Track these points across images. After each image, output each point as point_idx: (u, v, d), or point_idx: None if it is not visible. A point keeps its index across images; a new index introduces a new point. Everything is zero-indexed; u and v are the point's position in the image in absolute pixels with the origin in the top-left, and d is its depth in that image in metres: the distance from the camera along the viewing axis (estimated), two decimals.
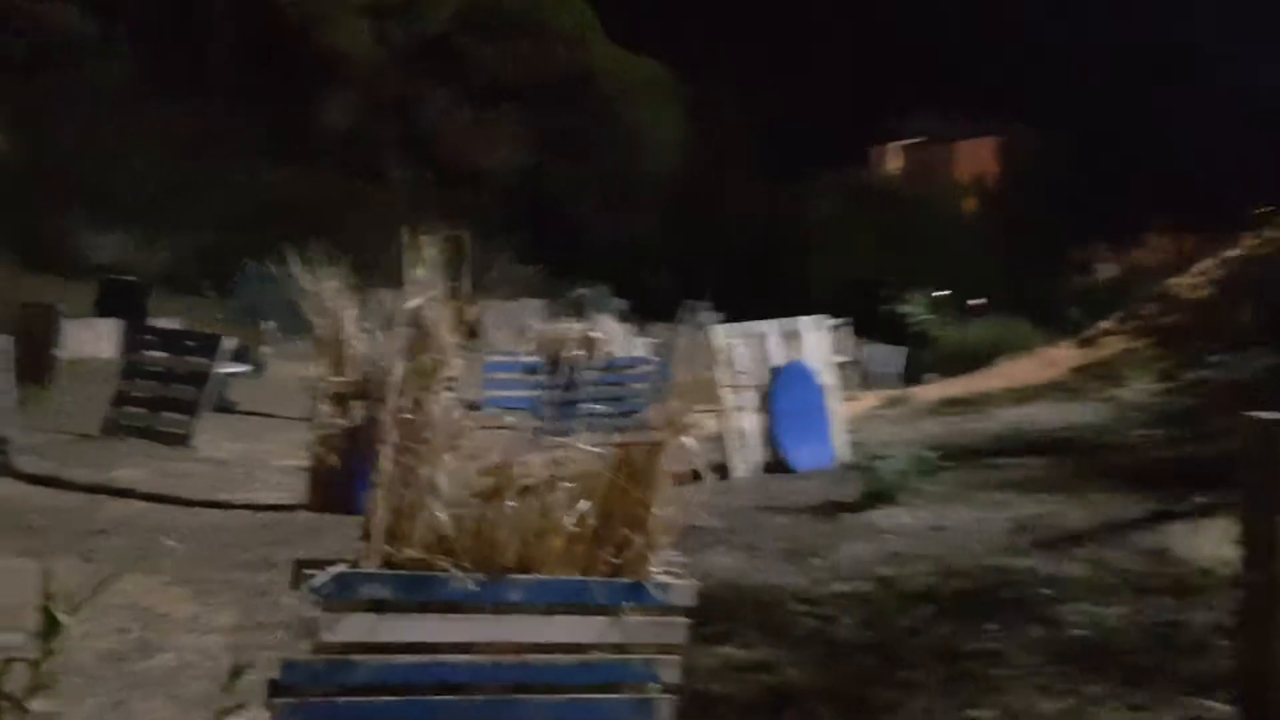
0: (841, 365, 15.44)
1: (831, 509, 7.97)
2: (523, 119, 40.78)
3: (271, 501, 8.95)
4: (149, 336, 12.69)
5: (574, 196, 40.93)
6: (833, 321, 16.07)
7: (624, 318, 35.38)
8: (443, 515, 3.22)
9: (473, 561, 3.27)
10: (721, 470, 9.12)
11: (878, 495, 7.92)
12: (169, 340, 12.77)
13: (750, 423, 9.23)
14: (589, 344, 10.87)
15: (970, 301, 35.81)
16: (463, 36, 40.66)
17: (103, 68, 30.02)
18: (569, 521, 3.39)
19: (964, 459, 9.49)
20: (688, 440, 3.69)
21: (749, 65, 45.83)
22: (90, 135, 28.81)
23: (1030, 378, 14.99)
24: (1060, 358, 15.75)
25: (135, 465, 10.70)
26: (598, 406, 10.76)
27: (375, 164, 37.82)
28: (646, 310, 36.48)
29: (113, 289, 21.63)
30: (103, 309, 21.34)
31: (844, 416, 9.50)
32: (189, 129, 31.22)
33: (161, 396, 12.41)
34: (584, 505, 3.44)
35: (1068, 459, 9.77)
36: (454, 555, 3.24)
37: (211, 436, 11.84)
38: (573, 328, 11.02)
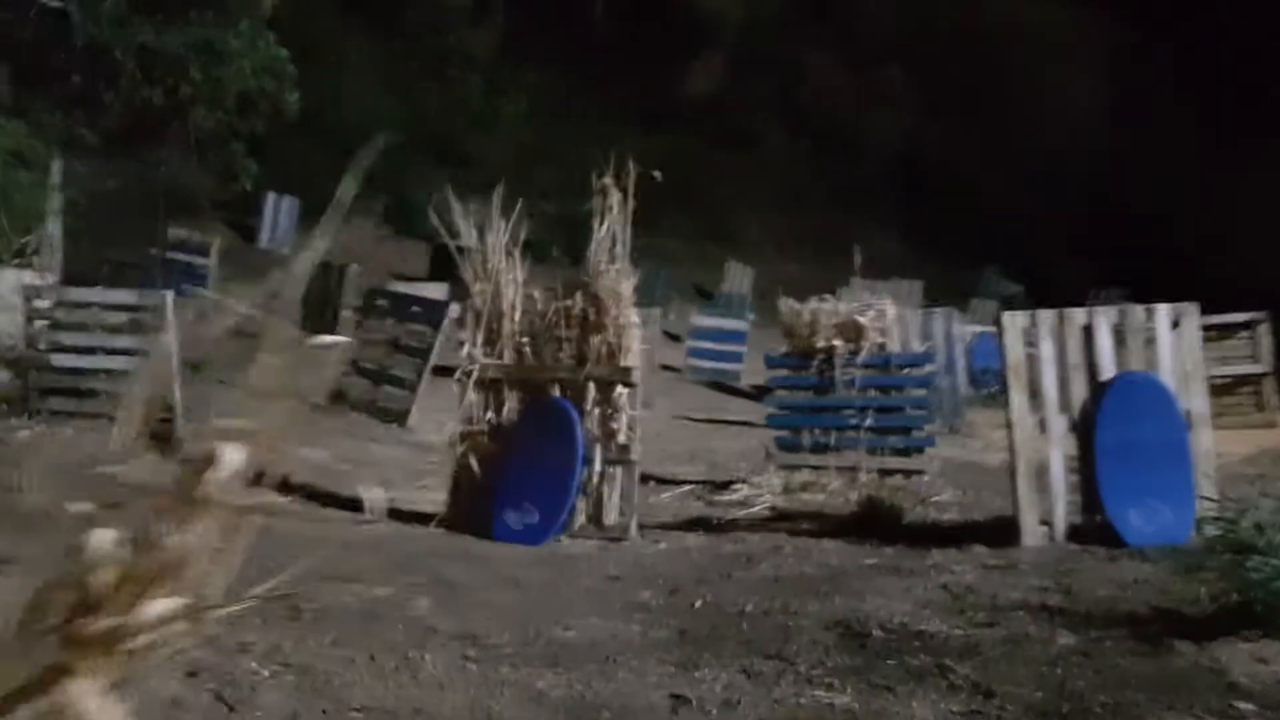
0: (1240, 380, 11.37)
1: (1179, 630, 4.73)
2: (908, 81, 37.31)
3: (420, 508, 7.08)
4: (381, 301, 11.48)
5: (965, 167, 36.84)
6: (1247, 317, 11.96)
7: (1010, 304, 31.34)
8: None
9: None
10: (1005, 529, 6.08)
11: (1266, 612, 4.56)
12: (397, 305, 11.49)
13: (1058, 460, 6.09)
14: (854, 331, 8.06)
15: None
16: None
17: (475, 34, 30.34)
18: None
19: None
20: None
21: (1187, 15, 38.99)
22: (459, 101, 29.19)
23: None
24: None
25: (325, 445, 9.30)
26: (856, 418, 7.96)
27: (745, 131, 35.98)
28: (1046, 296, 32.15)
29: (442, 253, 21.23)
30: (434, 273, 21.03)
31: (1214, 463, 6.08)
32: (554, 95, 30.97)
33: (385, 368, 11.09)
34: None
35: None
36: None
37: (442, 416, 10.23)
38: (834, 308, 8.22)
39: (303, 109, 15.44)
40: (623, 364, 6.69)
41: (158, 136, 14.58)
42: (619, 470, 6.62)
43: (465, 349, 7.01)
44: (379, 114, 28.58)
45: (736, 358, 16.62)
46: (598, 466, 6.57)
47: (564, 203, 31.84)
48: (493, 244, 7.13)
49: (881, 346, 8.06)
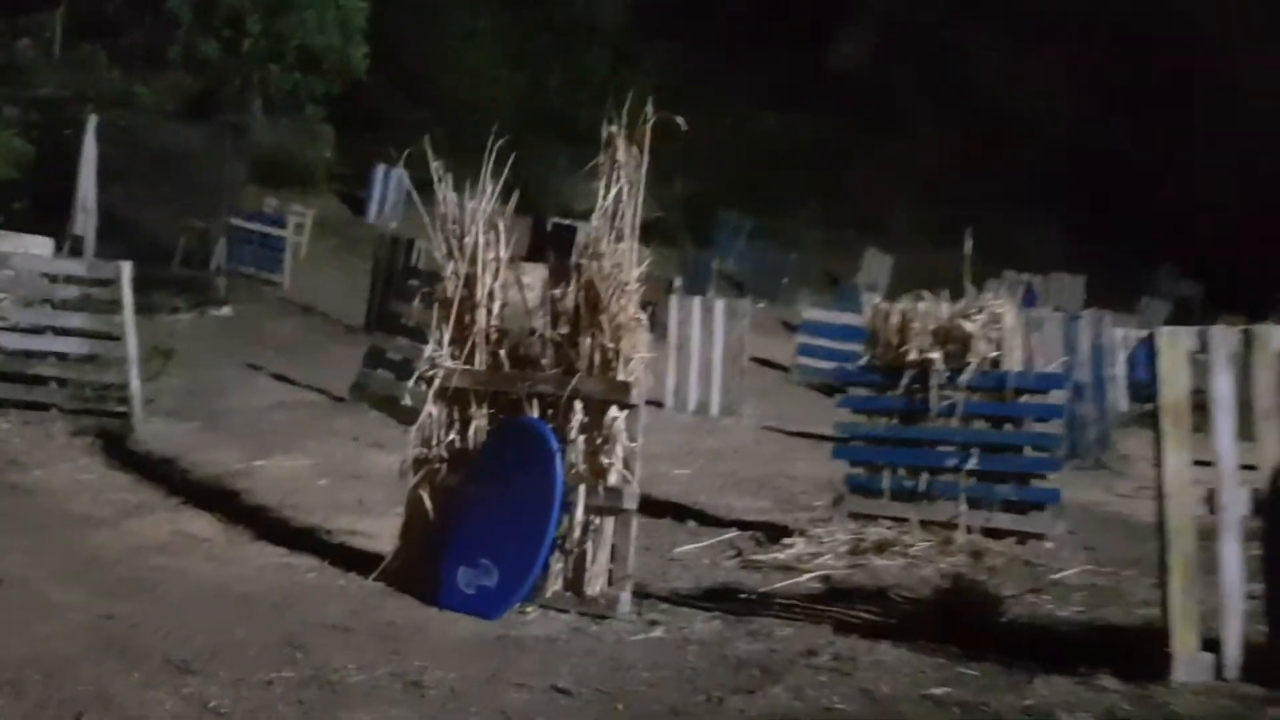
0: None
1: None
2: (1076, 62, 34.10)
3: (380, 546, 5.53)
4: (412, 281, 9.97)
5: (1139, 155, 33.48)
6: None
7: (1186, 306, 28.12)
8: None
9: None
10: (1152, 643, 4.11)
11: None
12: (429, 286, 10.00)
13: (1233, 555, 4.09)
14: (958, 340, 6.09)
15: None
16: None
17: (602, 4, 28.81)
18: None
19: None
20: None
21: None
22: (583, 75, 27.72)
23: None
24: None
25: (315, 450, 7.88)
26: (955, 457, 6.01)
27: (893, 113, 33.50)
28: (1229, 300, 28.88)
29: (543, 231, 19.84)
30: (533, 253, 19.63)
31: None
32: (685, 70, 29.18)
33: (408, 360, 9.58)
34: None
35: None
36: None
37: None
38: (932, 310, 6.24)
39: (422, 79, 14.29)
40: (620, 377, 4.95)
41: (230, 96, 13.46)
42: (609, 522, 4.88)
43: (428, 348, 5.38)
44: (499, 86, 27.32)
45: (852, 357, 14.55)
46: (580, 515, 4.86)
47: (692, 183, 30.22)
48: (473, 212, 5.45)
49: (995, 362, 6.07)
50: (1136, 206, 31.76)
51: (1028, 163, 33.96)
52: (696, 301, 11.48)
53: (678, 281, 16.78)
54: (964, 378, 6.01)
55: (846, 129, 32.67)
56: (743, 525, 6.63)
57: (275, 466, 7.11)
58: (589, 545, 4.85)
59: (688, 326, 11.36)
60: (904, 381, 6.16)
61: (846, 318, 14.99)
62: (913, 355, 6.16)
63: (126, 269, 7.20)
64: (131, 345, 7.25)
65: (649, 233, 26.75)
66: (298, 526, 5.94)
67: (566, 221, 20.08)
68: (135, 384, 7.18)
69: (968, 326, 6.05)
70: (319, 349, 12.15)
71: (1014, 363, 6.13)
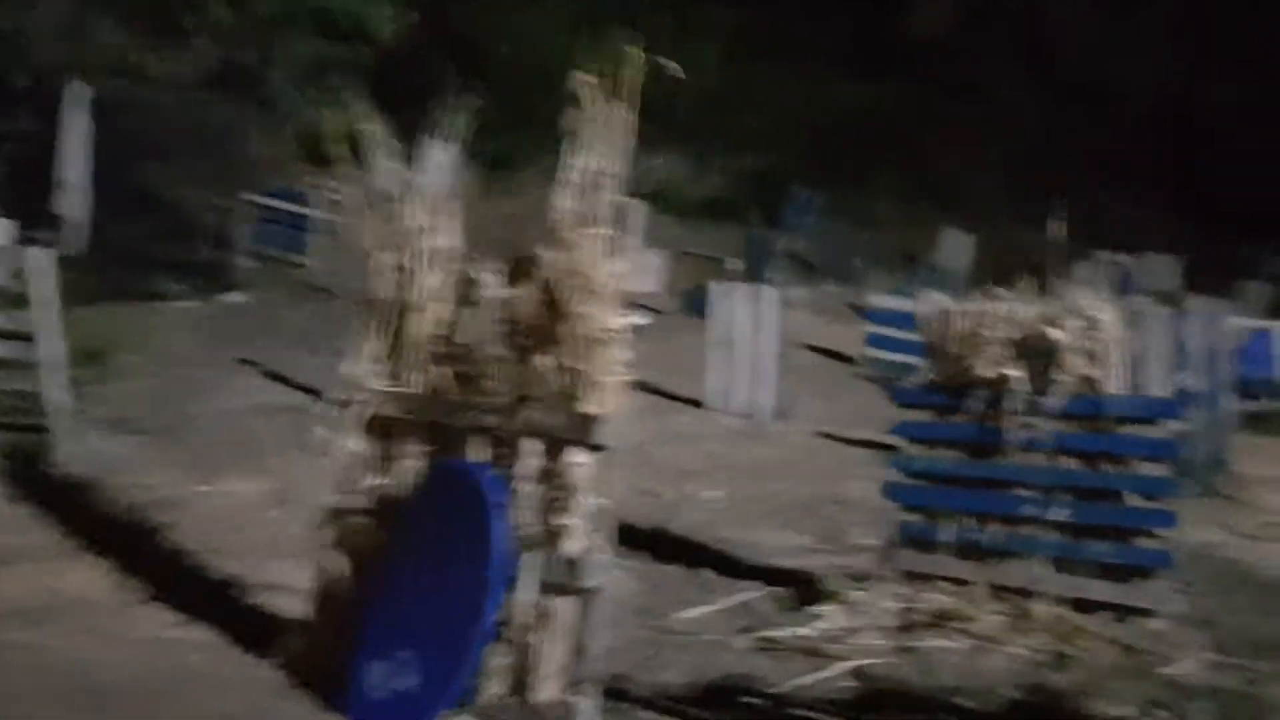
0: None
1: None
2: (1174, 27, 31.82)
3: (281, 609, 4.45)
4: None
5: (1244, 125, 31.13)
6: None
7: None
8: None
9: None
10: None
11: None
12: None
13: None
14: (1042, 352, 4.74)
15: None
16: None
17: None
18: None
19: None
20: None
21: None
22: (647, 43, 26.32)
23: None
24: None
25: (278, 468, 6.79)
26: (1037, 504, 4.68)
27: (976, 79, 31.51)
28: None
29: None
30: None
31: None
32: (753, 36, 27.62)
33: None
34: None
35: None
36: None
37: None
38: (1009, 312, 4.87)
39: (476, 47, 13.16)
40: (585, 409, 3.74)
41: (251, 66, 12.46)
42: (567, 603, 3.67)
43: (346, 365, 4.22)
44: (560, 57, 26.04)
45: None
46: (528, 594, 3.66)
47: (762, 157, 28.72)
48: (408, 187, 4.27)
49: (1091, 381, 4.70)
50: (1236, 181, 29.51)
51: (1121, 134, 31.82)
52: (740, 288, 10.18)
53: (733, 265, 15.41)
54: (1049, 401, 4.67)
55: (927, 98, 30.81)
56: (771, 576, 5.38)
57: (220, 493, 6.04)
58: (539, 634, 3.65)
59: (731, 316, 10.08)
60: (972, 405, 4.83)
61: (920, 305, 13.50)
62: (983, 372, 4.82)
63: (38, 256, 6.15)
64: (50, 347, 6.20)
65: (713, 210, 25.54)
66: (212, 580, 4.85)
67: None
68: (56, 393, 6.14)
69: (1055, 335, 4.69)
70: (333, 339, 11.10)
71: (1115, 381, 4.76)
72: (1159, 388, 7.41)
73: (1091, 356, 4.73)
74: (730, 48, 28.31)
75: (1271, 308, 24.20)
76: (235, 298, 12.12)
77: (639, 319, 11.72)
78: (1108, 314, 4.78)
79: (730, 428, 9.64)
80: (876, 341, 13.53)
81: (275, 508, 6.00)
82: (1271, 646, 4.41)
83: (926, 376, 5.07)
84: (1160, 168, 30.93)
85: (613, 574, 4.27)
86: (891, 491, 5.05)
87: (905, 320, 13.18)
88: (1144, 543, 4.49)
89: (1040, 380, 4.76)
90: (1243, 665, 4.24)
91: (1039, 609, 4.49)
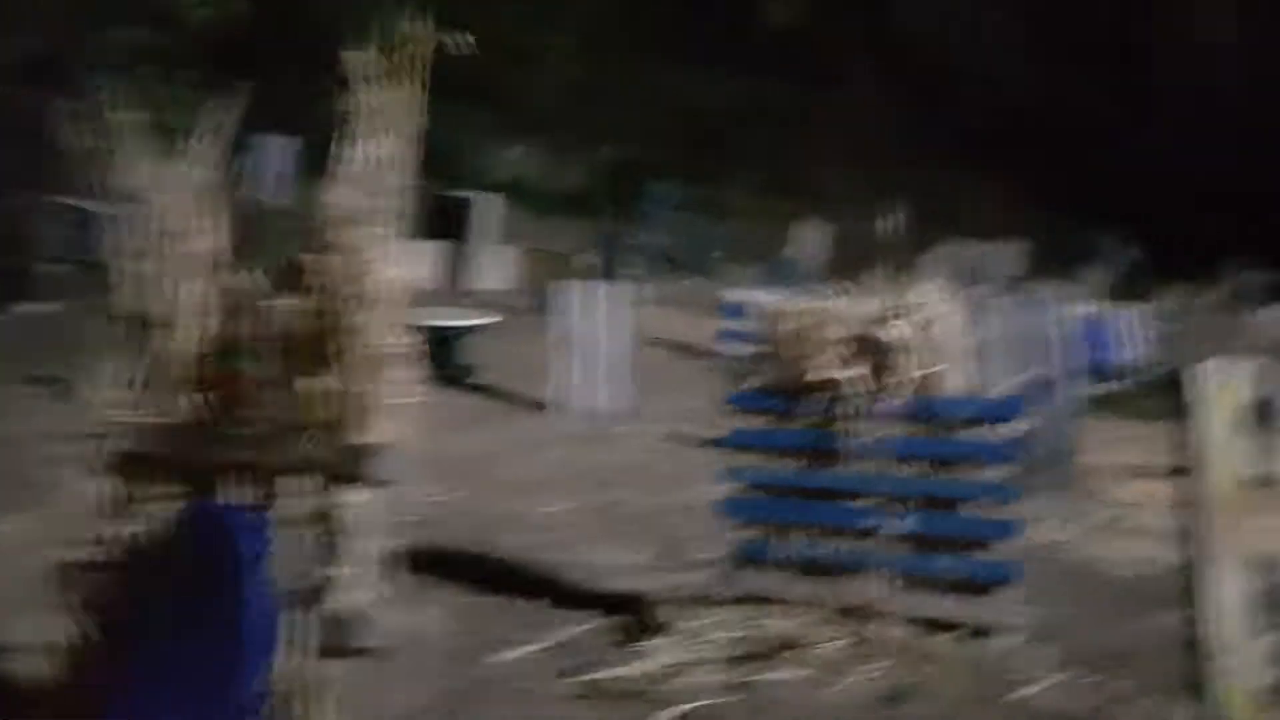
0: None
1: None
2: (1028, 19, 32.72)
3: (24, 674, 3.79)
4: None
5: (1083, 113, 32.18)
6: None
7: (1130, 273, 26.81)
8: None
9: None
10: None
11: None
12: None
13: None
14: (882, 352, 4.41)
15: None
16: None
17: None
18: None
19: None
20: None
21: None
22: (495, 32, 25.68)
23: None
24: None
25: (38, 510, 6.00)
26: (878, 516, 4.35)
27: (832, 70, 31.79)
28: (1172, 266, 27.68)
29: (438, 206, 17.88)
30: (431, 230, 17.70)
31: None
32: (606, 26, 27.25)
33: None
34: None
35: None
36: None
37: None
38: (841, 309, 4.52)
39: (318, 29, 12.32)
40: (358, 439, 3.22)
41: (66, 56, 11.39)
42: (339, 668, 3.14)
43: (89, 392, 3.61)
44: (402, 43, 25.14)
45: None
46: (297, 658, 3.12)
47: (621, 149, 28.36)
48: (158, 181, 3.68)
49: (929, 382, 4.39)
50: (1079, 166, 30.47)
51: (970, 123, 32.55)
52: (584, 286, 9.73)
53: (585, 260, 14.96)
54: (887, 405, 4.34)
55: (784, 89, 30.93)
56: (605, 603, 4.93)
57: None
58: (309, 705, 3.12)
59: (573, 315, 9.62)
60: (810, 409, 4.48)
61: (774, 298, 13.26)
62: (817, 374, 4.47)
63: None
64: None
65: (571, 204, 25.07)
66: None
67: (460, 194, 18.14)
68: None
69: (892, 333, 4.37)
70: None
71: (958, 379, 4.46)
72: (1005, 381, 7.24)
73: (931, 354, 4.41)
74: (589, 37, 27.88)
75: (1112, 292, 25.03)
76: (34, 308, 11.10)
77: (482, 319, 11.18)
78: (947, 308, 4.47)
79: (575, 433, 9.18)
80: (728, 336, 13.25)
81: (46, 550, 5.28)
82: (1123, 656, 4.18)
83: (763, 379, 4.70)
84: (1006, 155, 31.74)
85: (422, 616, 3.78)
86: (726, 506, 4.66)
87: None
88: (989, 554, 4.19)
89: (878, 381, 4.42)
90: (1096, 682, 3.98)
91: (884, 631, 4.16)
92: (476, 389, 10.44)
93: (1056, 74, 32.41)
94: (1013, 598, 4.20)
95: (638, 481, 7.68)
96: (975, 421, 4.28)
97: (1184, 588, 2.55)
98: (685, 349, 13.88)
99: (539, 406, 9.79)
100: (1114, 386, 13.02)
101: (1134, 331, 14.39)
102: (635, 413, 9.58)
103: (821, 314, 4.52)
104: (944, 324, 4.44)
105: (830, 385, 4.44)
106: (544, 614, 4.85)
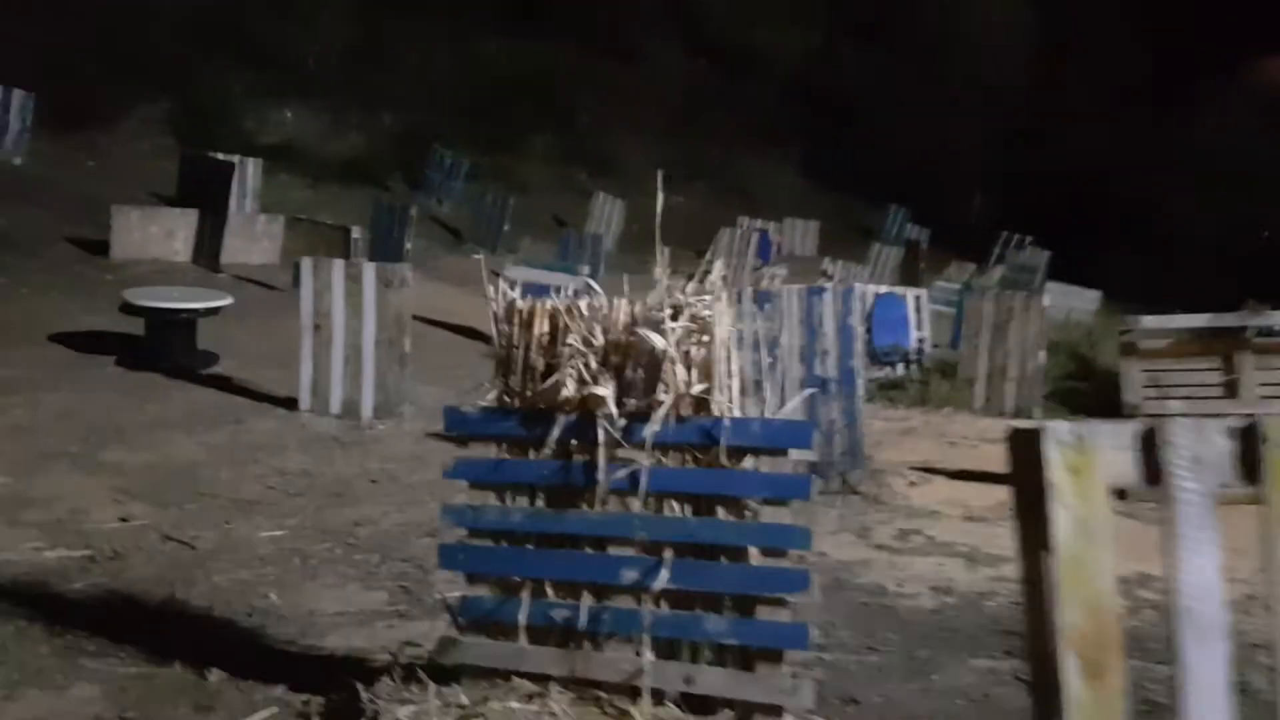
0: None
1: None
2: None
3: None
4: None
5: (872, 93, 32.62)
6: None
7: (914, 250, 27.24)
8: None
9: None
10: None
11: None
12: None
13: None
14: (646, 364, 3.58)
15: None
16: None
17: None
18: None
19: None
20: None
21: None
22: None
23: None
24: None
25: None
26: (638, 569, 3.52)
27: (627, 39, 31.09)
28: (954, 242, 28.38)
29: (194, 169, 16.19)
30: (184, 196, 16.01)
31: None
32: None
33: None
34: None
35: None
36: None
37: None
38: (596, 306, 3.66)
39: None
40: None
41: None
42: None
43: None
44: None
45: None
46: None
47: (406, 116, 26.86)
48: None
49: (701, 401, 3.59)
50: (869, 145, 30.94)
51: (766, 97, 32.56)
52: (338, 266, 8.57)
53: (357, 234, 13.67)
54: (649, 428, 3.53)
55: (578, 56, 30.03)
56: (309, 672, 3.96)
57: None
58: None
59: (327, 299, 8.48)
60: (556, 434, 3.62)
61: (559, 277, 12.44)
62: (568, 389, 3.62)
63: None
64: None
65: (350, 172, 23.43)
66: None
67: (221, 157, 16.46)
68: None
69: (654, 340, 3.55)
70: None
71: (734, 395, 3.69)
72: (790, 382, 6.64)
73: (708, 364, 3.62)
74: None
75: (899, 270, 25.37)
76: None
77: (216, 300, 9.81)
78: (717, 309, 3.67)
79: (323, 433, 8.08)
80: None
81: None
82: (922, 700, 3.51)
83: (496, 395, 3.80)
84: (801, 131, 31.93)
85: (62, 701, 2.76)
86: (449, 556, 3.75)
87: (543, 293, 12.09)
88: (768, 612, 3.44)
89: (640, 399, 3.60)
90: None
91: (640, 712, 3.35)
92: (215, 383, 9.17)
93: (849, 54, 32.77)
94: (798, 665, 3.46)
95: (387, 495, 6.69)
96: (759, 449, 3.52)
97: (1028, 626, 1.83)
98: (466, 331, 12.88)
99: (288, 404, 8.63)
100: (900, 372, 12.79)
101: (920, 313, 14.26)
102: (394, 410, 8.54)
103: (575, 312, 3.67)
104: (725, 327, 3.65)
105: (583, 403, 3.60)
106: (231, 690, 3.84)
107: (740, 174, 31.53)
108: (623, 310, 3.68)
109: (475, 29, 28.07)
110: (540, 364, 3.75)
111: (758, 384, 6.73)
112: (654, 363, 3.61)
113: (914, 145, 31.01)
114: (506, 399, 3.79)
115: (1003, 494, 6.51)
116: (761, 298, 7.00)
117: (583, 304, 3.71)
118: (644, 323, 3.65)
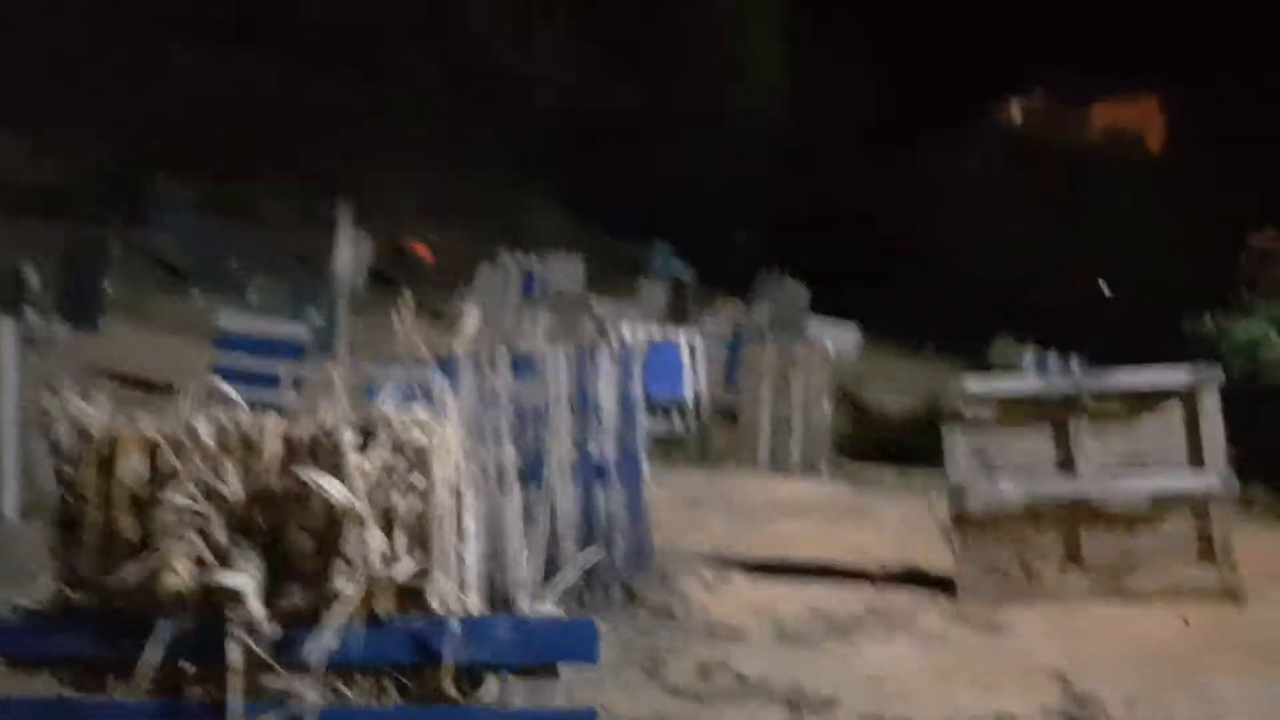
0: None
1: None
2: (582, 28, 32.21)
3: None
4: None
5: (638, 129, 32.06)
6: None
7: (680, 289, 26.62)
8: None
9: None
10: None
11: None
12: None
13: None
14: (311, 527, 2.09)
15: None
16: None
17: None
18: None
19: None
20: None
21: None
22: None
23: None
24: None
25: None
26: None
27: (378, 62, 29.19)
28: (718, 278, 27.90)
29: None
30: None
31: None
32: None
33: None
34: None
35: None
36: None
37: None
38: (236, 429, 2.16)
39: None
40: None
41: None
42: None
43: None
44: None
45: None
46: None
47: (118, 141, 23.97)
48: None
49: (410, 593, 2.12)
50: (633, 179, 30.36)
51: (528, 130, 31.38)
52: None
53: (30, 275, 11.34)
54: (320, 640, 2.04)
55: (326, 82, 27.92)
56: None
57: None
58: None
59: None
60: (156, 655, 2.08)
61: (284, 329, 10.64)
62: (176, 578, 2.08)
63: None
64: None
65: (47, 204, 20.42)
66: None
67: None
68: None
69: (329, 489, 2.08)
70: None
71: (464, 577, 2.24)
72: (561, 471, 5.25)
73: (417, 528, 2.16)
74: (85, 9, 23.29)
75: (668, 308, 24.57)
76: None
77: None
78: (449, 425, 2.23)
79: None
80: (227, 375, 10.35)
81: None
82: None
83: (56, 589, 2.20)
84: (564, 167, 30.91)
85: None
86: None
87: (261, 347, 10.25)
88: None
89: (306, 591, 2.10)
90: None
91: None
92: None
93: (611, 86, 32.15)
94: None
95: None
96: (510, 666, 2.09)
97: None
98: (165, 390, 10.80)
99: None
100: (676, 428, 11.68)
101: (693, 357, 13.24)
102: (30, 509, 6.59)
103: (190, 444, 2.14)
104: (451, 458, 2.21)
105: (203, 600, 2.07)
106: None
107: (501, 207, 30.16)
108: (274, 435, 2.17)
109: (186, 39, 25.48)
110: (134, 532, 2.18)
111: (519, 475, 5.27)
112: (330, 526, 2.11)
113: (677, 180, 30.64)
114: (73, 594, 2.19)
115: (813, 596, 5.30)
116: (517, 364, 5.55)
117: (203, 429, 2.17)
118: (314, 456, 2.15)
